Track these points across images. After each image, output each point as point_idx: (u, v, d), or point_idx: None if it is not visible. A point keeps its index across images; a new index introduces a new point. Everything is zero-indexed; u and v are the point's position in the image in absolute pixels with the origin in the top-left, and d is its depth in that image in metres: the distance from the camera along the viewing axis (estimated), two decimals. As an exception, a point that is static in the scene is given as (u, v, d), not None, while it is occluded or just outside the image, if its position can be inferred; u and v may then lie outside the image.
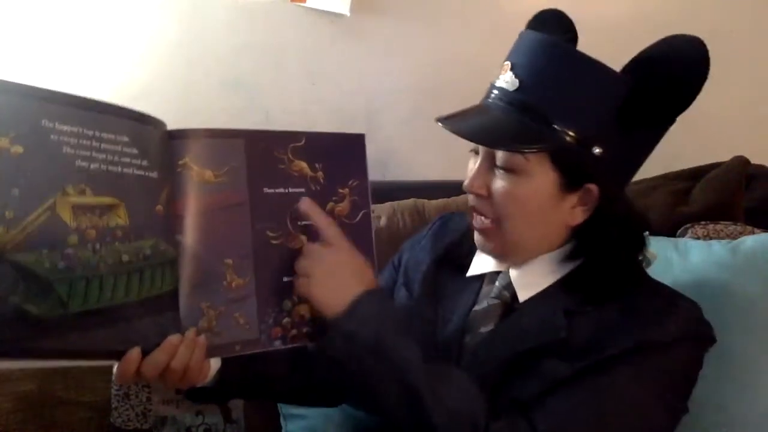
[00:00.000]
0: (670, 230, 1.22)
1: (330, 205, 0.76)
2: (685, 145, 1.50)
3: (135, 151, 0.64)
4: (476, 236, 0.83)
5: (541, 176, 0.75)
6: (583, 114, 0.74)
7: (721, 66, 1.53)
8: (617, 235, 0.78)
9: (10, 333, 0.55)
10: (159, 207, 0.66)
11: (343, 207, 0.77)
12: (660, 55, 0.75)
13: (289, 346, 0.73)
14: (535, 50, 0.76)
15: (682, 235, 1.21)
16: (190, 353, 0.66)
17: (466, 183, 0.80)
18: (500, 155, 0.76)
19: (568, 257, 0.80)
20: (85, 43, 1.41)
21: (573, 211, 0.78)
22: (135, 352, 0.63)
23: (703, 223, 1.22)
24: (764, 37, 1.56)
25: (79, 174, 0.60)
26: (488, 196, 0.78)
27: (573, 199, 0.77)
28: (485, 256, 0.86)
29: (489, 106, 0.78)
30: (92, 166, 0.61)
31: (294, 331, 0.73)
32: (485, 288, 0.85)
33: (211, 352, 0.69)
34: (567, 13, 0.85)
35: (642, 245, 0.80)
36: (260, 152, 0.72)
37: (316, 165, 0.75)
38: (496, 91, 0.78)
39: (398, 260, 1.00)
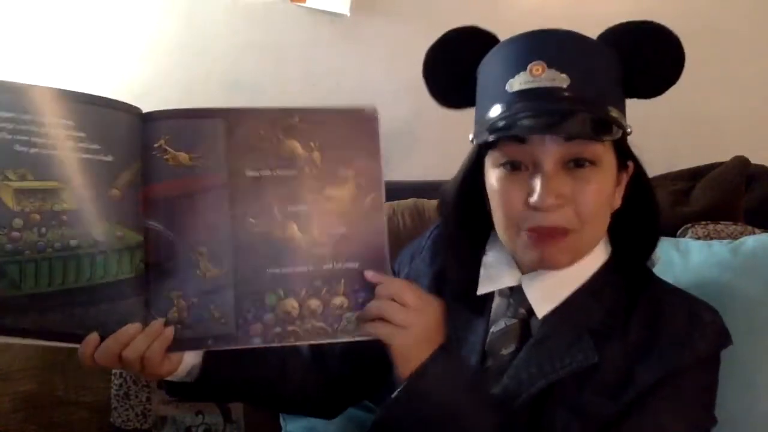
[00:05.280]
0: (671, 230, 1.22)
1: (328, 189, 0.68)
2: (685, 145, 1.50)
3: (82, 134, 0.63)
4: (541, 254, 0.73)
5: (609, 163, 0.73)
6: (615, 93, 0.74)
7: (721, 66, 1.54)
8: (648, 215, 0.78)
9: None
10: (114, 191, 0.64)
11: (346, 191, 0.68)
12: (635, 28, 0.77)
13: (271, 345, 0.67)
14: (564, 44, 0.74)
15: (683, 236, 1.21)
16: (146, 344, 0.64)
17: (536, 199, 0.70)
18: (583, 149, 0.71)
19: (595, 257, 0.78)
20: (85, 43, 1.41)
21: (616, 194, 0.77)
22: (91, 338, 0.63)
23: (703, 223, 1.22)
24: (764, 37, 1.56)
25: (19, 159, 0.61)
26: (563, 203, 0.71)
27: (619, 180, 0.77)
28: (493, 269, 0.81)
29: (541, 110, 0.71)
30: (32, 150, 0.61)
31: (278, 329, 0.66)
32: (497, 301, 0.81)
33: (180, 345, 0.66)
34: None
35: (657, 237, 0.80)
36: (243, 132, 0.67)
37: (312, 144, 0.68)
38: (532, 94, 0.72)
39: (398, 269, 0.94)
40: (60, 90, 0.63)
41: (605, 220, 0.76)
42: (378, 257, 0.68)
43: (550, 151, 0.70)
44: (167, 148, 0.66)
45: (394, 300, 0.66)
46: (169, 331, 0.65)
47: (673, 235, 1.21)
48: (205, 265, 0.66)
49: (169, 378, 0.73)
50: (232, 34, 1.47)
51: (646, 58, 0.75)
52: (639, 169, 0.78)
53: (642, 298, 0.75)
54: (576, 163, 0.71)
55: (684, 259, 1.04)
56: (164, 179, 0.65)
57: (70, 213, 0.62)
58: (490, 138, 0.71)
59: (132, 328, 0.64)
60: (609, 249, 0.79)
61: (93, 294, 0.63)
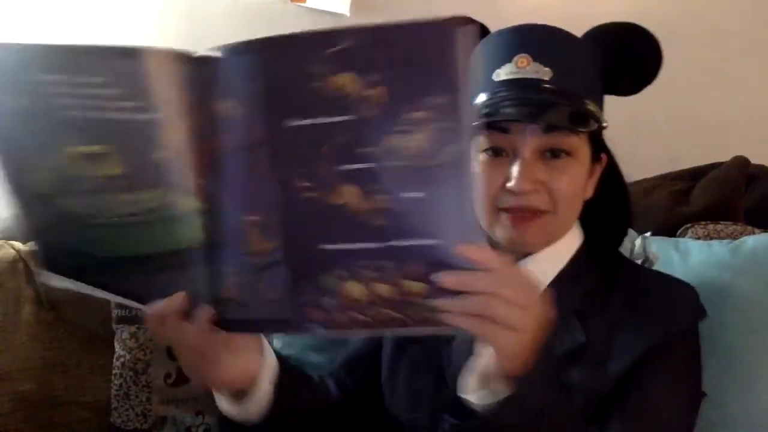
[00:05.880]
0: (671, 230, 1.22)
1: (392, 138, 0.49)
2: (685, 145, 1.50)
3: (117, 91, 0.53)
4: (517, 233, 0.76)
5: (584, 154, 0.78)
6: (594, 88, 0.79)
7: (721, 66, 1.54)
8: (619, 204, 0.83)
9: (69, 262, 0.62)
10: (165, 153, 0.54)
11: (415, 141, 0.48)
12: (619, 29, 0.82)
13: (336, 332, 0.55)
14: (549, 39, 0.78)
15: (683, 236, 1.21)
16: (180, 324, 0.58)
17: (513, 184, 0.73)
18: (560, 141, 0.75)
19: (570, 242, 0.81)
20: (85, 42, 1.41)
21: (588, 184, 0.81)
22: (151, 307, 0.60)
23: (703, 223, 1.22)
24: (764, 37, 1.56)
25: (65, 123, 0.56)
26: (539, 188, 0.75)
27: (592, 171, 0.81)
28: None
29: (523, 99, 0.74)
30: (72, 113, 0.55)
31: (340, 316, 0.53)
32: None
33: (231, 326, 0.57)
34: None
35: (628, 225, 0.85)
36: (284, 68, 0.51)
37: (373, 77, 0.48)
38: (516, 84, 0.75)
39: None
40: (97, 46, 0.56)
41: (577, 207, 0.80)
42: (467, 231, 0.50)
43: (529, 140, 0.75)
44: (217, 98, 0.53)
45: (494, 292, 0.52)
46: (207, 308, 0.57)
47: (673, 235, 1.21)
48: (255, 237, 0.54)
49: (234, 415, 0.67)
50: (232, 34, 1.45)
51: (627, 57, 0.81)
52: (612, 162, 0.83)
53: (619, 278, 0.79)
54: (553, 154, 0.76)
55: (684, 259, 1.04)
56: (214, 136, 0.54)
57: (118, 178, 0.55)
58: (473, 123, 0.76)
59: (177, 298, 0.58)
60: (582, 235, 0.83)
61: (153, 262, 0.57)
